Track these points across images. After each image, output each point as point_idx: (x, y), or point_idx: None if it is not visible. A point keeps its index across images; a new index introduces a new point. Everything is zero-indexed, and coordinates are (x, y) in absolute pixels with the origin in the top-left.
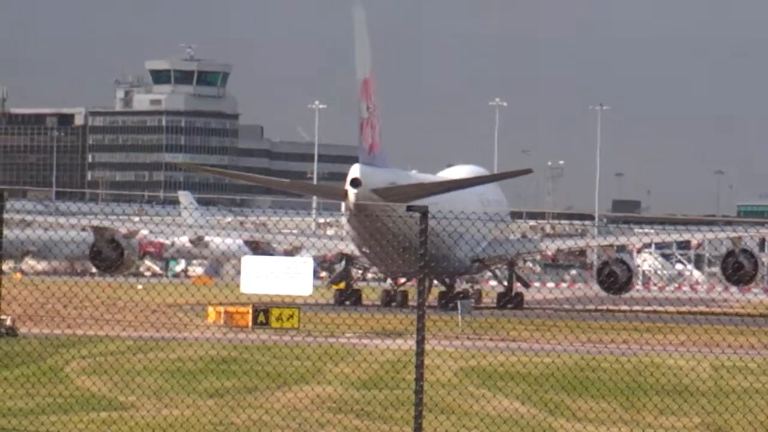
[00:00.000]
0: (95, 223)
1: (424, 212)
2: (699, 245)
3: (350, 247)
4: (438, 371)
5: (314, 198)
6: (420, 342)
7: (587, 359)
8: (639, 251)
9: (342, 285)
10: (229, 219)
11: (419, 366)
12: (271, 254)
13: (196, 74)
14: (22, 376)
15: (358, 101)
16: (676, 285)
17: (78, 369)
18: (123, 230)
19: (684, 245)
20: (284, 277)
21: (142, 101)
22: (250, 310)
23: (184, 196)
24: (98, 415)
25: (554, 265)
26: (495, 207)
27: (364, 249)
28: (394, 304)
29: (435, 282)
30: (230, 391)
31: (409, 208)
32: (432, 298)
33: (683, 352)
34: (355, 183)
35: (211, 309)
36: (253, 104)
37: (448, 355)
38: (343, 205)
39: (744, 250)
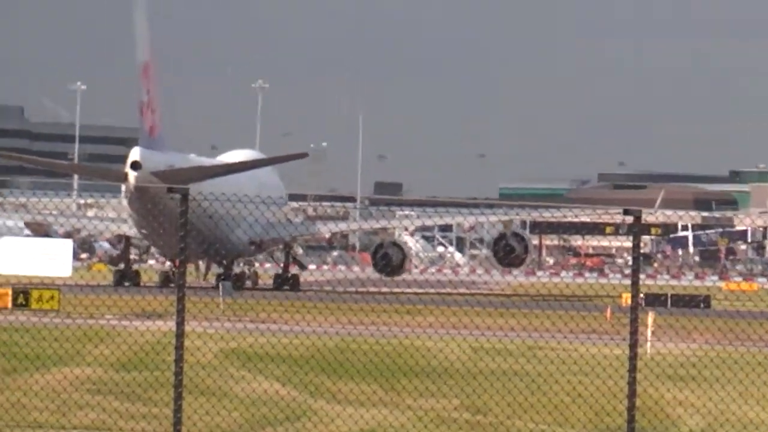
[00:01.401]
0: None
1: (185, 194)
2: (471, 228)
3: (130, 229)
4: (198, 353)
5: (75, 179)
6: (180, 323)
7: (347, 341)
8: (412, 234)
9: (121, 266)
10: None
11: (179, 347)
12: (52, 236)
13: None
14: None
15: (139, 84)
16: (438, 267)
17: None
18: None
19: (446, 228)
20: (43, 258)
21: None
22: (10, 292)
23: None
24: None
25: (317, 247)
26: (271, 190)
27: (143, 231)
28: (171, 285)
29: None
30: None
31: (170, 190)
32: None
33: (443, 334)
34: (135, 166)
35: None
36: (12, 85)
37: (209, 337)
38: (123, 187)
39: (515, 233)
